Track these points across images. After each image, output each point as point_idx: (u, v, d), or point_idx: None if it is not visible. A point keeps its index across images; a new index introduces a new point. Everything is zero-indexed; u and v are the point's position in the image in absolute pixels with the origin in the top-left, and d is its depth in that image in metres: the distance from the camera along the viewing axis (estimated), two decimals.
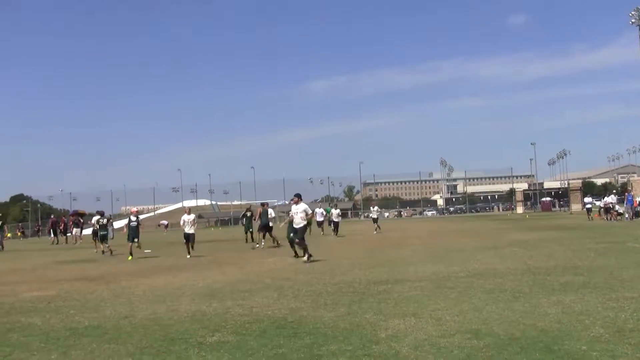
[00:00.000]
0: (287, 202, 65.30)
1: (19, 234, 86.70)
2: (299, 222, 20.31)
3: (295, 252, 21.40)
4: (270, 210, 29.98)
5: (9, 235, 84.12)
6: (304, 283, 14.09)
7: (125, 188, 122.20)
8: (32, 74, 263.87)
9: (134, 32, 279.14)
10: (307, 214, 20.76)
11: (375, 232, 40.97)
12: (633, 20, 69.04)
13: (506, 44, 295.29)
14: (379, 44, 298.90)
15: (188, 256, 24.56)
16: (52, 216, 62.23)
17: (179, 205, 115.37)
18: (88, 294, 14.14)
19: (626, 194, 49.63)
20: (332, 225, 41.19)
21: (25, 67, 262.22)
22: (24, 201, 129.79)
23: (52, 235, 51.03)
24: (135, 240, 25.64)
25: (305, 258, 19.66)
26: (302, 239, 20.07)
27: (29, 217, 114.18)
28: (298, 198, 20.87)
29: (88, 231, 46.06)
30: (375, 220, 44.82)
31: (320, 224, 41.39)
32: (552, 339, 7.34)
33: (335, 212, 41.56)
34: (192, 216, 26.66)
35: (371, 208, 50.87)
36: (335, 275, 15.41)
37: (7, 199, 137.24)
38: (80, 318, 10.68)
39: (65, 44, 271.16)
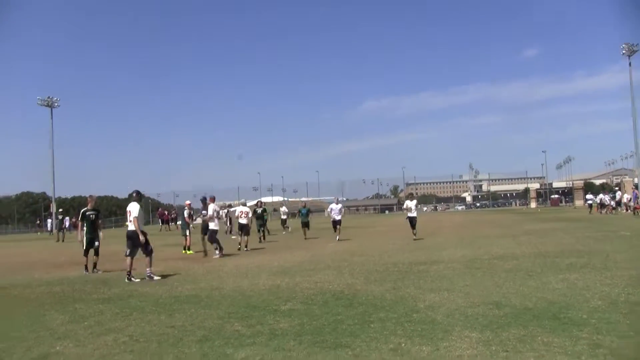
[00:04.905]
0: (346, 199, 61.09)
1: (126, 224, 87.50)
2: None
3: None
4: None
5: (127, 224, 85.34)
6: (358, 264, 14.06)
7: (216, 187, 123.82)
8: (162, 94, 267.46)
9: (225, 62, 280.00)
10: None
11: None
12: (624, 52, 68.26)
13: (522, 71, 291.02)
14: (419, 72, 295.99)
15: (245, 248, 20.68)
16: (159, 209, 62.41)
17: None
18: (187, 270, 14.41)
19: (633, 191, 48.22)
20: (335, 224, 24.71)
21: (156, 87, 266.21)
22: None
23: (160, 224, 51.09)
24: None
25: None
26: None
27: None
28: None
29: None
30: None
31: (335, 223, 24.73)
32: (558, 309, 7.28)
33: (411, 203, 23.39)
34: (247, 208, 22.30)
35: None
36: (383, 257, 15.36)
37: (126, 195, 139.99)
38: (182, 289, 10.92)
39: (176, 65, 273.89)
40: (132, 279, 12.46)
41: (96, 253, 14.94)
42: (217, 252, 18.19)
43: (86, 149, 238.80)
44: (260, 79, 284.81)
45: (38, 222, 77.92)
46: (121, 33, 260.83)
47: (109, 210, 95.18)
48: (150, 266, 12.97)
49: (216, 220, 18.42)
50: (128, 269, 12.74)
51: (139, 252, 13.10)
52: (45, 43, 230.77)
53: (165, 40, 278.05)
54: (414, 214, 23.02)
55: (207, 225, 18.70)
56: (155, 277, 12.77)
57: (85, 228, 14.93)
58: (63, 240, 36.02)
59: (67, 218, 49.72)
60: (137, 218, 12.95)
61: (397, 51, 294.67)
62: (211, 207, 18.56)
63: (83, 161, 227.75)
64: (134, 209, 13.05)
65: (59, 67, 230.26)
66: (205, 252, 18.52)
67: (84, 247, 14.81)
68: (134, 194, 13.63)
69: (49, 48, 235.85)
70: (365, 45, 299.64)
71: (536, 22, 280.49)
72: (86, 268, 14.63)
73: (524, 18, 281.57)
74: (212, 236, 18.37)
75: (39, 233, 65.49)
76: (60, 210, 47.17)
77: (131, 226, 13.02)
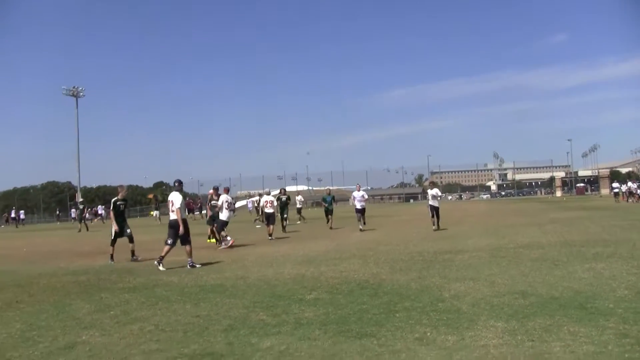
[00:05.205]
0: (370, 188, 61.15)
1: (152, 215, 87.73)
2: None
3: None
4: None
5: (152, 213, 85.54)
6: (383, 253, 14.03)
7: (241, 176, 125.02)
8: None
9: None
10: None
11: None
12: None
13: (550, 58, 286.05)
14: (446, 59, 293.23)
15: (269, 237, 20.52)
16: (186, 198, 62.66)
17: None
18: (212, 259, 14.45)
19: None
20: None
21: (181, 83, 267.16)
22: (163, 187, 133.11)
23: (187, 212, 50.84)
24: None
25: None
26: None
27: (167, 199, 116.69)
28: None
29: None
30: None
31: (358, 211, 23.92)
32: (585, 298, 7.22)
33: (431, 192, 22.47)
34: (271, 197, 22.49)
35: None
36: (408, 246, 15.32)
37: (151, 185, 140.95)
38: (207, 278, 10.98)
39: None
40: (161, 266, 12.58)
41: (131, 240, 15.13)
42: (223, 243, 18.06)
43: (110, 138, 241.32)
44: (284, 67, 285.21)
45: (58, 212, 78.78)
46: (142, 21, 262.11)
47: (134, 200, 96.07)
48: (191, 256, 13.05)
49: (226, 211, 18.38)
50: (163, 254, 12.89)
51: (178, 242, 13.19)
52: (65, 33, 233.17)
53: (188, 28, 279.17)
54: (434, 202, 21.88)
55: (218, 216, 18.66)
56: (197, 265, 12.93)
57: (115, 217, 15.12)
58: (87, 230, 36.38)
59: (101, 206, 50.14)
60: (179, 209, 13.03)
61: (422, 38, 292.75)
62: (222, 198, 18.60)
63: (107, 151, 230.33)
64: (176, 199, 13.11)
65: (80, 57, 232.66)
66: (220, 242, 18.56)
67: (113, 237, 14.99)
68: (176, 184, 13.71)
69: (71, 37, 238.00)
70: (391, 32, 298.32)
71: (564, 6, 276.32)
72: (112, 257, 14.78)
73: (552, 3, 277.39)
74: (220, 227, 18.35)
75: (58, 223, 66.30)
76: (82, 200, 47.44)
77: (173, 216, 13.07)
